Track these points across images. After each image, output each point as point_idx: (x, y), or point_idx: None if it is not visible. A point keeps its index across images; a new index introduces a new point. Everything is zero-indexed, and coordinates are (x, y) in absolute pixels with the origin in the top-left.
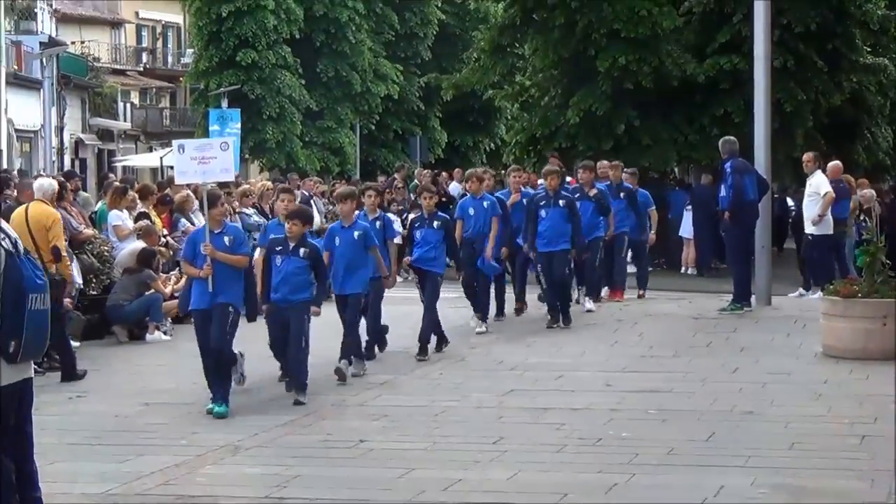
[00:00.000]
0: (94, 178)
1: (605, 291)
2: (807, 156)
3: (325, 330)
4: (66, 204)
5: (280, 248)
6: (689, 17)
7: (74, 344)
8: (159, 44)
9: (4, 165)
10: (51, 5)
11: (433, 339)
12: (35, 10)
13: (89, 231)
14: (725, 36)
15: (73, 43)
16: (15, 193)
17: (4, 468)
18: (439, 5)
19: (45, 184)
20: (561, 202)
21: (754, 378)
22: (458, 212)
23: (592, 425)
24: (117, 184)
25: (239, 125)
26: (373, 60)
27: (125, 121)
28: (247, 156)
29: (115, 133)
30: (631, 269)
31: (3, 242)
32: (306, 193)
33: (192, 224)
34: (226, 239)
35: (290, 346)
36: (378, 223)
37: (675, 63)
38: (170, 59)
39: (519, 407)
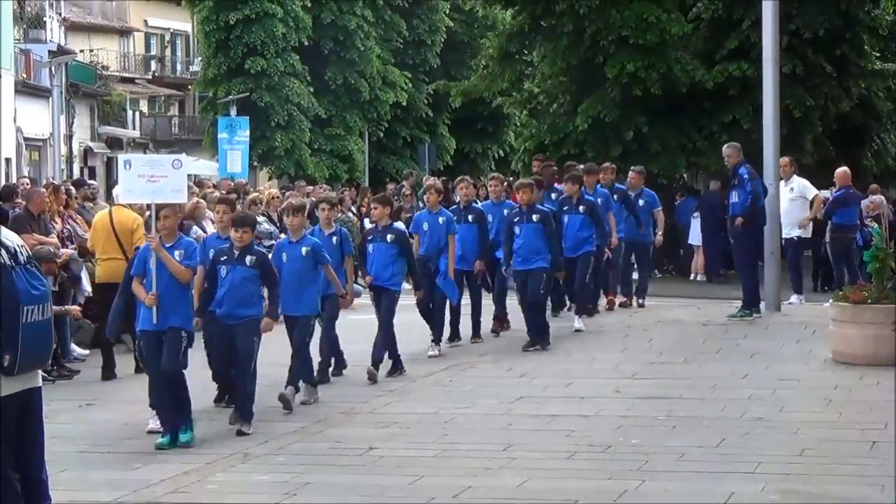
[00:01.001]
0: (104, 187)
1: (619, 298)
2: (783, 160)
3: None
4: (72, 212)
5: (225, 258)
6: (697, 23)
7: (83, 352)
8: (168, 52)
9: (14, 173)
10: (59, 14)
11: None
12: (44, 18)
13: None
14: (734, 42)
15: (81, 51)
16: (24, 202)
17: (5, 478)
18: (447, 12)
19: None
20: (535, 217)
21: (764, 384)
22: (413, 227)
23: (602, 432)
24: None
25: (247, 133)
26: (381, 68)
27: (134, 129)
28: (255, 163)
29: (124, 141)
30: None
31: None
32: (314, 200)
33: (204, 231)
34: (176, 253)
35: (236, 371)
36: (335, 238)
37: (684, 69)
38: (178, 67)
39: (528, 414)
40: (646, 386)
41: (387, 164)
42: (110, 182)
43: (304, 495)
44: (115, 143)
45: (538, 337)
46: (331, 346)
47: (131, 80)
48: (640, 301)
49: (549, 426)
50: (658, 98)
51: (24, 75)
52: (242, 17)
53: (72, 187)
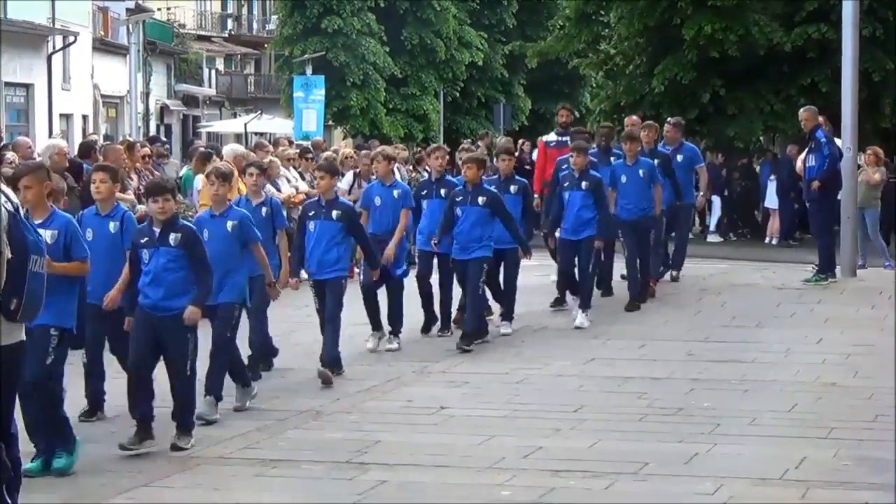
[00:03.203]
0: (179, 144)
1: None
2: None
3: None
4: (147, 168)
5: (145, 239)
6: None
7: None
8: (244, 10)
9: (91, 130)
10: None
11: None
12: None
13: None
14: (813, 4)
15: (158, 9)
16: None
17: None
18: None
19: (232, 148)
20: (481, 199)
21: (838, 349)
22: (363, 201)
23: (674, 395)
24: (202, 149)
25: (323, 92)
26: (457, 28)
27: (210, 87)
28: (330, 122)
29: (200, 99)
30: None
31: (6, 205)
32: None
33: (279, 190)
34: (48, 234)
35: (169, 375)
36: (264, 210)
37: (762, 32)
38: (255, 25)
39: (600, 375)
40: (718, 349)
41: (461, 124)
42: (186, 139)
43: (374, 454)
44: (191, 101)
45: (468, 334)
46: (263, 337)
47: (208, 39)
48: (675, 273)
49: (621, 388)
50: (735, 60)
51: (102, 33)
52: None
53: (148, 144)
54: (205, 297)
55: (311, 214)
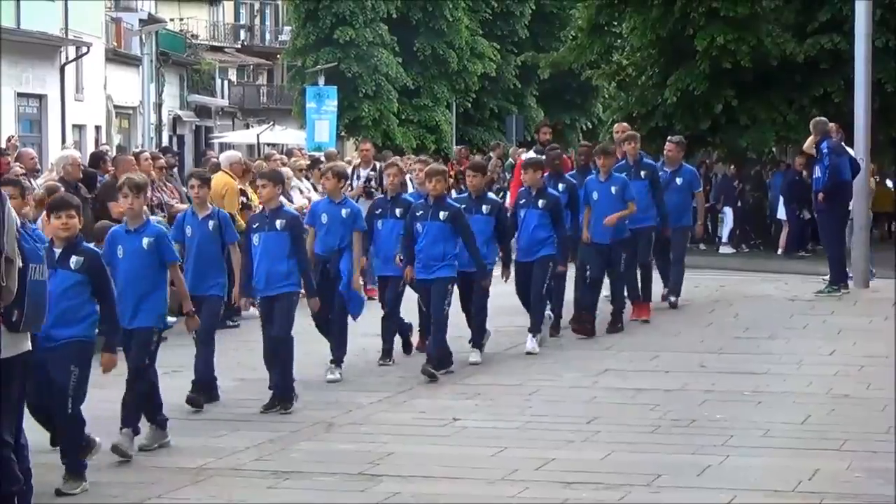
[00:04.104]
0: (192, 155)
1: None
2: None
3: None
4: (160, 180)
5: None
6: None
7: (172, 319)
8: (257, 21)
9: (104, 140)
10: None
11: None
12: None
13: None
14: (826, 15)
15: (171, 20)
16: (112, 170)
17: (5, 459)
18: None
19: (228, 156)
20: (442, 214)
21: (851, 361)
22: (309, 217)
23: (686, 406)
24: (214, 160)
25: (335, 102)
26: (470, 39)
27: (222, 98)
28: (343, 133)
29: (213, 110)
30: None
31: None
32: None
33: (291, 201)
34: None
35: (52, 411)
36: (211, 223)
37: (775, 42)
38: (267, 36)
39: (612, 387)
40: (731, 361)
41: (474, 135)
42: (198, 150)
43: (387, 465)
44: (203, 112)
45: (438, 361)
46: (205, 365)
47: (220, 49)
48: (673, 300)
49: (634, 400)
50: (748, 71)
51: (115, 43)
52: None
53: (160, 155)
54: (115, 336)
55: (255, 227)
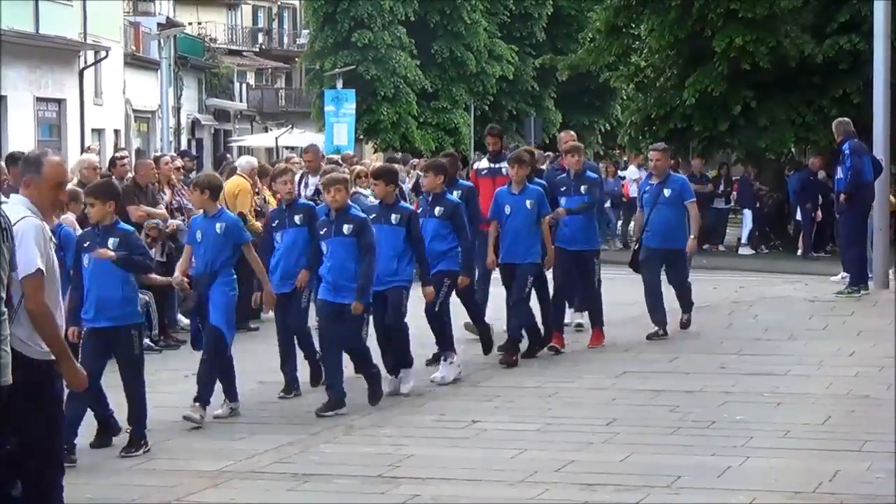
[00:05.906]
0: (211, 159)
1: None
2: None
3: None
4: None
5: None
6: None
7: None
8: (275, 25)
9: (123, 144)
10: None
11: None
12: None
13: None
14: (845, 16)
15: (190, 24)
16: (131, 174)
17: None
18: None
19: (245, 161)
20: (345, 228)
21: (871, 362)
22: (187, 236)
23: (706, 408)
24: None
25: (354, 106)
26: (487, 41)
27: (241, 101)
28: (361, 136)
29: (231, 113)
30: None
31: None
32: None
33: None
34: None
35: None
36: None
37: (794, 43)
38: (286, 39)
39: (632, 389)
40: (751, 362)
41: None
42: (217, 153)
43: (407, 468)
44: (222, 116)
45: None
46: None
47: (239, 53)
48: (685, 318)
49: (654, 401)
50: (767, 72)
51: (134, 48)
52: None
53: (178, 158)
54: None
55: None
